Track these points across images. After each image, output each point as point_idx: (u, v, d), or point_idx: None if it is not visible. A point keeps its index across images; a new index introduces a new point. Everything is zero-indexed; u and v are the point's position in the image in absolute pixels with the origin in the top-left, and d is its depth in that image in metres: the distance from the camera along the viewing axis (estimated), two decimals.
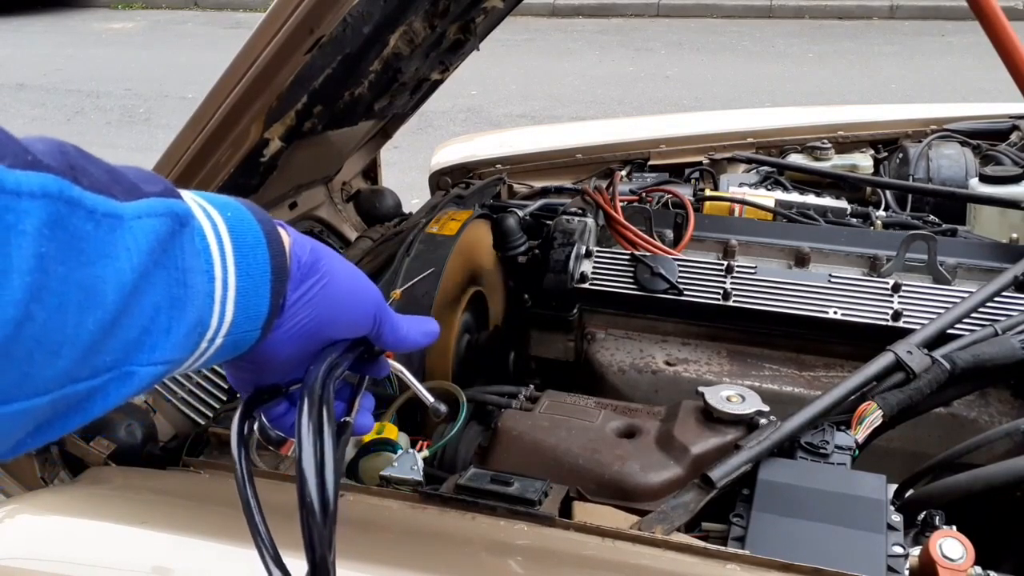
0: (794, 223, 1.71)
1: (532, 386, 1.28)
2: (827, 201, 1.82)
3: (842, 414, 1.09)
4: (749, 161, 2.05)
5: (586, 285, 1.45)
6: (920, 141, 2.02)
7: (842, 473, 1.00)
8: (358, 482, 1.13)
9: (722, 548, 0.89)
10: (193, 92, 6.84)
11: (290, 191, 1.75)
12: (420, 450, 1.12)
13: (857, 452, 1.04)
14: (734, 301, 1.38)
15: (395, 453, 1.13)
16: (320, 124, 1.43)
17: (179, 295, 0.51)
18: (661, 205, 1.76)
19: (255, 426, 0.71)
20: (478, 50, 1.78)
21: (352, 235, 2.02)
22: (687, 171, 2.10)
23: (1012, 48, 1.53)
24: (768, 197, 1.80)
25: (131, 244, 0.47)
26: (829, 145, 2.07)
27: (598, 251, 1.50)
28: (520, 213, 1.67)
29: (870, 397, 1.08)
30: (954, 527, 0.91)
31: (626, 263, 1.47)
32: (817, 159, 2.06)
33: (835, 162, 2.05)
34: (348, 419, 0.74)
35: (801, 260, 1.49)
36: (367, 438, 1.17)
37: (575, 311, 1.46)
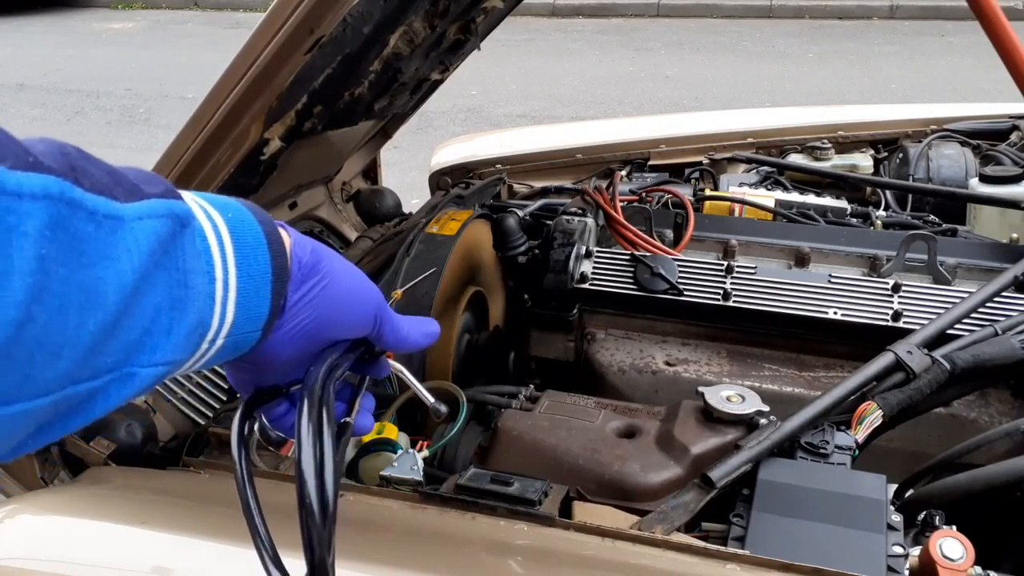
0: (794, 223, 1.71)
1: (532, 386, 1.28)
2: (827, 201, 1.82)
3: (842, 414, 1.09)
4: (749, 161, 2.05)
5: (586, 285, 1.45)
6: (920, 141, 2.02)
7: (842, 473, 1.00)
8: (358, 482, 1.13)
9: (722, 548, 0.89)
10: (193, 92, 6.84)
11: (290, 191, 1.75)
12: (420, 450, 1.12)
13: (857, 452, 1.04)
14: (734, 301, 1.38)
15: (395, 453, 1.13)
16: (320, 124, 1.43)
17: (180, 296, 0.51)
18: (661, 205, 1.76)
19: (255, 427, 0.71)
20: (479, 50, 1.78)
21: (352, 235, 2.02)
22: (687, 171, 2.10)
23: (1012, 48, 1.53)
24: (768, 197, 1.80)
25: (132, 245, 0.47)
26: (829, 145, 2.07)
27: (598, 251, 1.50)
28: (520, 213, 1.67)
29: (870, 397, 1.08)
30: (954, 527, 0.91)
31: (626, 263, 1.47)
32: (817, 159, 2.06)
33: (835, 162, 2.05)
34: (348, 420, 0.74)
35: (801, 260, 1.49)
36: (367, 438, 1.17)
37: (575, 311, 1.46)
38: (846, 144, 2.14)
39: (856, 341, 1.32)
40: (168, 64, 8.21)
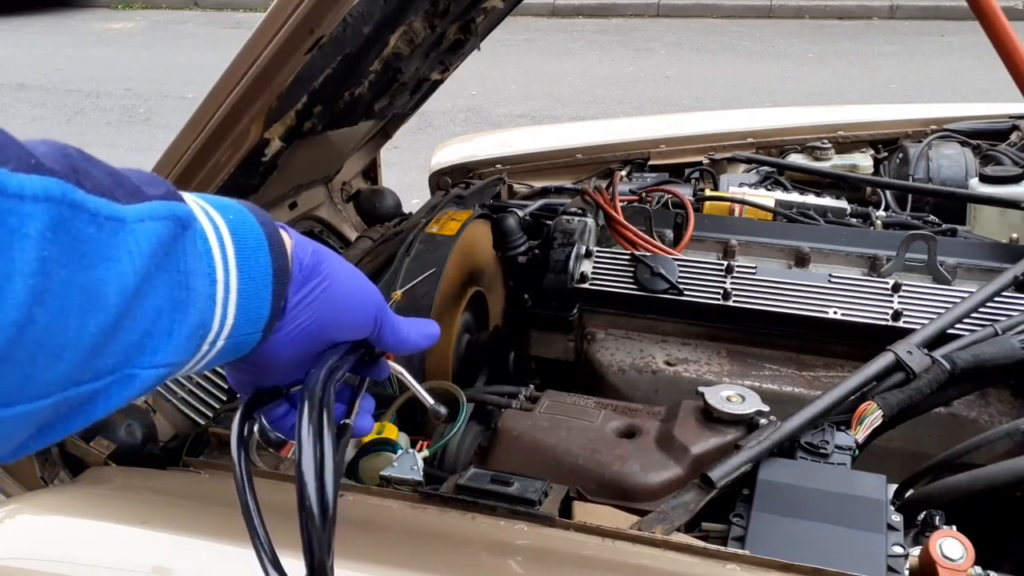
0: (794, 223, 1.71)
1: (532, 386, 1.28)
2: (827, 201, 1.82)
3: (842, 414, 1.09)
4: (749, 161, 2.05)
5: (586, 285, 1.45)
6: (920, 141, 2.02)
7: (842, 473, 1.00)
8: (358, 482, 1.13)
9: (722, 548, 0.89)
10: (193, 92, 6.84)
11: (290, 191, 1.75)
12: (420, 450, 1.12)
13: (857, 452, 1.04)
14: (734, 301, 1.38)
15: (395, 453, 1.13)
16: (320, 124, 1.43)
17: (181, 298, 0.51)
18: (661, 205, 1.76)
19: (255, 428, 0.71)
20: (479, 50, 1.78)
21: (352, 235, 2.02)
22: (687, 171, 2.10)
23: (1012, 48, 1.53)
24: (768, 197, 1.80)
25: (133, 247, 0.47)
26: (829, 145, 2.07)
27: (598, 251, 1.51)
28: (520, 213, 1.67)
29: (870, 397, 1.08)
30: (954, 527, 0.91)
31: (626, 263, 1.47)
32: (817, 159, 2.06)
33: (835, 162, 2.06)
34: (348, 421, 0.74)
35: (801, 260, 1.49)
36: (367, 438, 1.17)
37: (575, 311, 1.46)
38: (846, 144, 2.14)
39: (856, 341, 1.32)
40: (168, 64, 8.21)
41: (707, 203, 1.81)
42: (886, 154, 2.12)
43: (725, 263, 1.43)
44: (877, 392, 1.10)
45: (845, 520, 0.92)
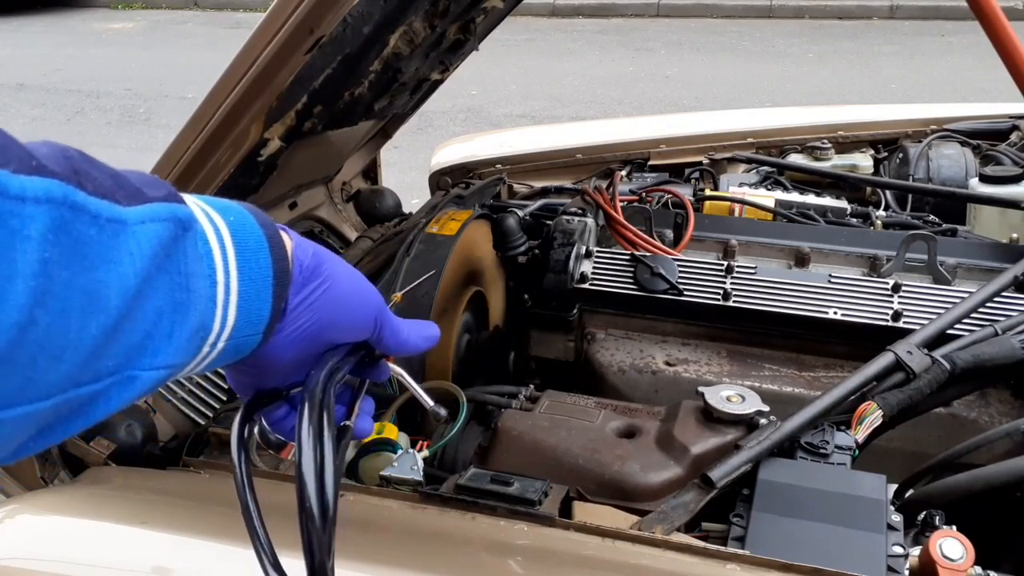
0: (794, 223, 1.71)
1: (532, 386, 1.28)
2: (827, 201, 1.82)
3: (842, 414, 1.09)
4: (749, 161, 2.05)
5: (586, 285, 1.45)
6: (920, 141, 2.02)
7: (842, 473, 1.00)
8: (358, 482, 1.13)
9: (722, 548, 0.89)
10: (193, 92, 6.84)
11: (290, 191, 1.75)
12: (420, 450, 1.12)
13: (857, 452, 1.04)
14: (734, 301, 1.38)
15: (395, 453, 1.13)
16: (320, 124, 1.43)
17: (182, 299, 0.51)
18: (661, 205, 1.76)
19: (255, 430, 0.71)
20: (477, 50, 1.78)
21: (352, 235, 2.02)
22: (687, 171, 2.10)
23: (1012, 48, 1.53)
24: (768, 197, 1.80)
25: (134, 249, 0.47)
26: (829, 145, 2.07)
27: (598, 251, 1.51)
28: (520, 213, 1.67)
29: (870, 397, 1.08)
30: (954, 527, 0.91)
31: (626, 263, 1.47)
32: (817, 159, 2.06)
33: (835, 162, 2.06)
34: (348, 423, 0.74)
35: (801, 260, 1.49)
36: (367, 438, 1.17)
37: (575, 311, 1.46)
38: (846, 144, 2.14)
39: (856, 341, 1.32)
40: (168, 64, 8.21)
41: (707, 203, 1.81)
42: (886, 154, 2.12)
43: (725, 263, 1.43)
44: (877, 392, 1.10)
45: (845, 520, 0.92)
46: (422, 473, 1.06)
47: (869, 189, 2.00)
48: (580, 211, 1.58)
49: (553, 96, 6.72)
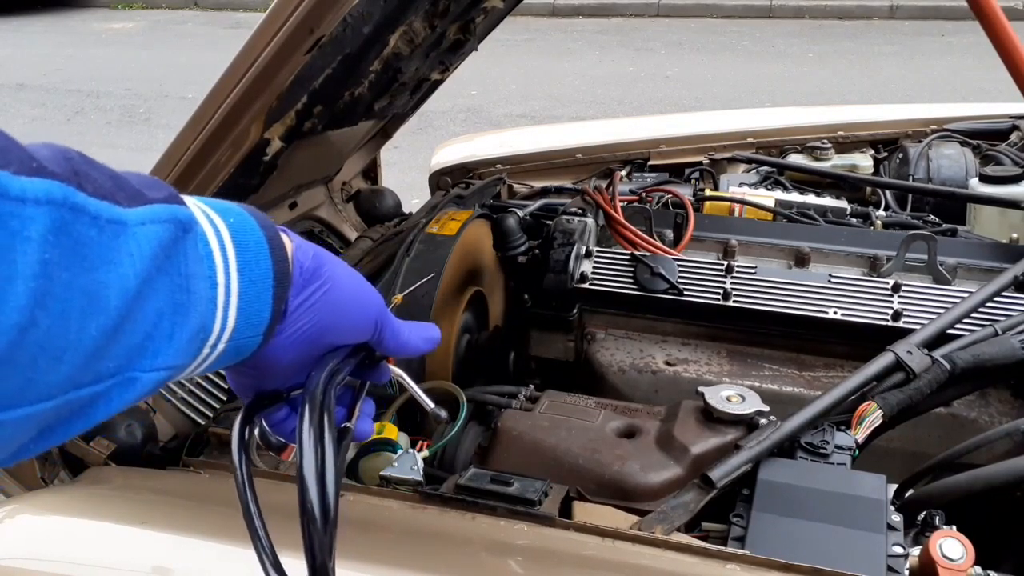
0: (794, 223, 1.71)
1: (532, 386, 1.28)
2: (827, 201, 1.82)
3: (842, 414, 1.09)
4: (749, 161, 2.05)
5: (586, 285, 1.45)
6: (920, 141, 2.02)
7: (842, 473, 1.00)
8: (358, 482, 1.13)
9: (722, 548, 0.89)
10: (193, 92, 6.84)
11: (290, 191, 1.75)
12: (420, 450, 1.12)
13: (857, 452, 1.04)
14: (734, 301, 1.38)
15: (395, 453, 1.13)
16: (320, 124, 1.43)
17: (182, 301, 0.51)
18: (661, 205, 1.76)
19: (256, 431, 0.71)
20: (477, 50, 1.78)
21: (352, 235, 2.02)
22: (687, 171, 2.10)
23: (1012, 48, 1.53)
24: (768, 197, 1.80)
25: (134, 250, 0.47)
26: (829, 145, 2.07)
27: (598, 251, 1.51)
28: (520, 213, 1.67)
29: (870, 397, 1.08)
30: (954, 527, 0.91)
31: (626, 263, 1.47)
32: (817, 159, 2.06)
33: (835, 162, 2.06)
34: (349, 425, 0.74)
35: (801, 260, 1.49)
36: None
37: (575, 311, 1.46)
38: (846, 144, 2.14)
39: (856, 341, 1.32)
40: (168, 64, 8.21)
41: (707, 203, 1.81)
42: (886, 154, 2.12)
43: (725, 263, 1.43)
44: (877, 392, 1.10)
45: (845, 520, 0.92)
46: (422, 473, 1.06)
47: (869, 189, 2.00)
48: (580, 211, 1.58)
49: (553, 96, 6.72)
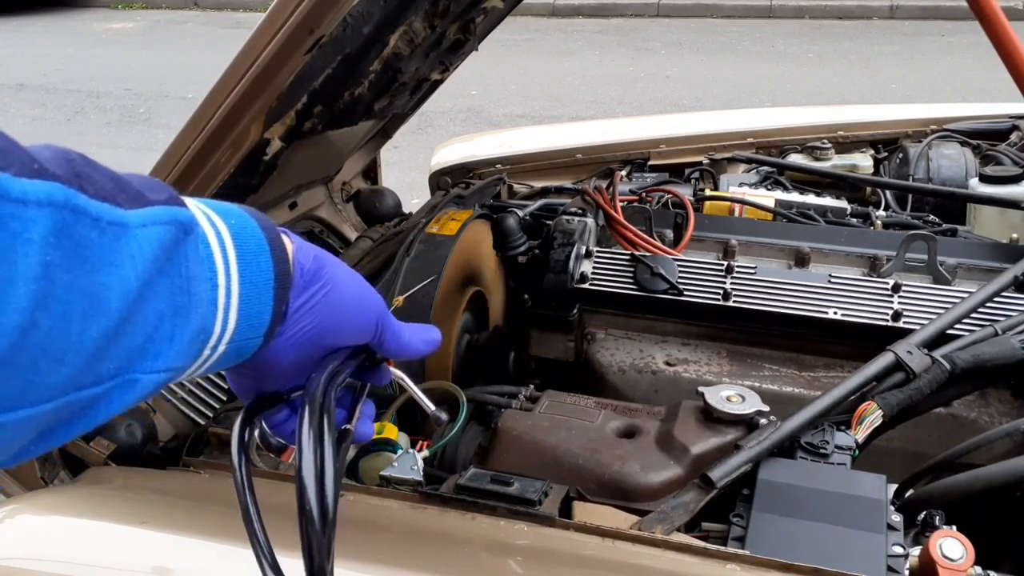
0: (794, 223, 1.71)
1: (532, 386, 1.28)
2: (827, 201, 1.82)
3: (842, 414, 1.09)
4: (749, 161, 2.05)
5: (586, 285, 1.45)
6: (920, 141, 2.02)
7: (842, 473, 1.00)
8: (358, 482, 1.13)
9: (722, 548, 0.89)
10: (193, 92, 6.84)
11: (290, 191, 1.75)
12: (420, 450, 1.12)
13: (857, 452, 1.04)
14: (734, 301, 1.38)
15: (395, 453, 1.13)
16: (320, 124, 1.43)
17: (183, 303, 0.51)
18: (661, 205, 1.76)
19: (256, 433, 0.71)
20: (477, 50, 1.78)
21: (352, 235, 2.02)
22: (687, 171, 2.10)
23: (1012, 48, 1.53)
24: (768, 197, 1.80)
25: (135, 252, 0.47)
26: (829, 145, 2.07)
27: (598, 251, 1.51)
28: (520, 213, 1.67)
29: (870, 397, 1.08)
30: (954, 527, 0.91)
31: (626, 263, 1.47)
32: (817, 159, 2.06)
33: (835, 162, 2.06)
34: (349, 427, 0.74)
35: (801, 260, 1.49)
36: None
37: (575, 311, 1.46)
38: (846, 144, 2.14)
39: (856, 341, 1.32)
40: (168, 64, 8.21)
41: (707, 203, 1.81)
42: (886, 154, 2.12)
43: (725, 263, 1.43)
44: (877, 392, 1.10)
45: (845, 520, 0.92)
46: (422, 473, 1.06)
47: (869, 189, 2.00)
48: (580, 211, 1.58)
49: (553, 96, 6.72)
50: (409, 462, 1.07)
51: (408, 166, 4.38)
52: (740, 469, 0.99)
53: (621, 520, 0.98)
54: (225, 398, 1.41)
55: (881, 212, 1.82)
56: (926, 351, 1.13)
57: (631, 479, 1.04)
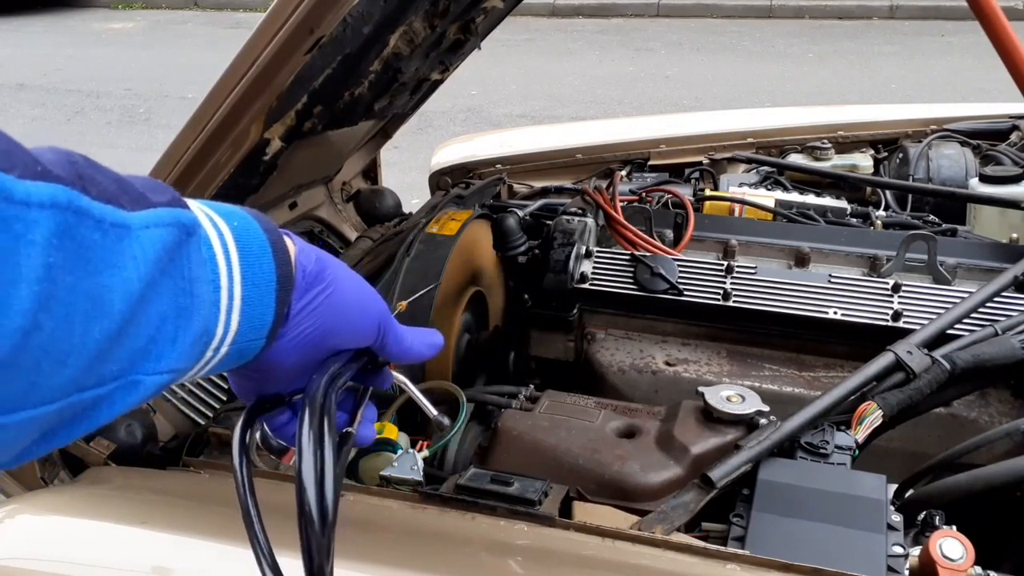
0: (794, 223, 1.71)
1: (532, 386, 1.28)
2: (827, 201, 1.82)
3: (842, 414, 1.09)
4: (749, 161, 2.05)
5: (586, 285, 1.45)
6: (920, 141, 2.02)
7: (842, 473, 1.00)
8: (358, 482, 1.13)
9: (722, 548, 0.89)
10: (193, 92, 6.84)
11: (290, 191, 1.75)
12: (420, 450, 1.12)
13: (857, 452, 1.04)
14: (734, 301, 1.38)
15: (395, 453, 1.13)
16: (320, 124, 1.43)
17: (185, 304, 0.51)
18: (661, 205, 1.76)
19: (257, 435, 0.71)
20: (479, 49, 1.78)
21: (352, 235, 2.02)
22: (687, 171, 2.10)
23: (1012, 48, 1.53)
24: (768, 197, 1.80)
25: (138, 254, 0.47)
26: (829, 145, 2.07)
27: (598, 251, 1.51)
28: (520, 213, 1.67)
29: (870, 397, 1.09)
30: (954, 527, 0.91)
31: (626, 263, 1.47)
32: (817, 159, 2.06)
33: (835, 162, 2.06)
34: (350, 430, 0.74)
35: (801, 260, 1.49)
36: None
37: (575, 311, 1.46)
38: (846, 144, 2.14)
39: (856, 341, 1.32)
40: (168, 64, 8.21)
41: (707, 203, 1.81)
42: (886, 154, 2.12)
43: (725, 263, 1.43)
44: (877, 392, 1.10)
45: (845, 520, 0.92)
46: (422, 473, 1.06)
47: (869, 189, 2.00)
48: (580, 211, 1.58)
49: (553, 96, 6.72)
50: (409, 462, 1.07)
51: (408, 166, 4.38)
52: (740, 469, 0.99)
53: (621, 520, 0.98)
54: (225, 398, 1.41)
55: (881, 212, 1.82)
56: (926, 351, 1.13)
57: (631, 479, 1.04)
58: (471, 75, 5.02)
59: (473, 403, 1.25)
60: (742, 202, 1.78)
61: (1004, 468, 0.94)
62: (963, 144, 2.00)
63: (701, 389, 1.13)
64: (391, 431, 1.19)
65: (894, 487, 1.01)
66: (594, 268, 1.48)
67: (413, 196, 3.18)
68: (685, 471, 1.05)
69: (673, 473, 1.05)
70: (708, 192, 1.90)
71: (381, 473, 1.07)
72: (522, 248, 1.60)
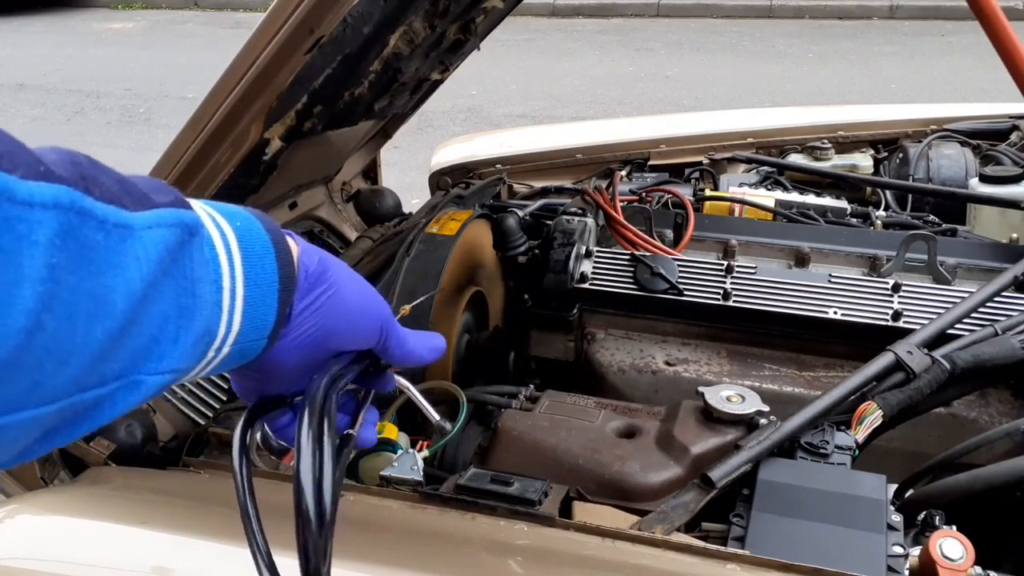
0: (794, 223, 1.71)
1: (532, 386, 1.28)
2: (827, 201, 1.82)
3: (842, 414, 1.09)
4: (749, 161, 2.05)
5: (586, 285, 1.45)
6: (920, 141, 2.02)
7: (842, 473, 1.00)
8: (358, 482, 1.13)
9: (722, 548, 0.89)
10: (193, 92, 6.84)
11: (290, 191, 1.75)
12: (420, 450, 1.12)
13: (857, 452, 1.04)
14: (734, 301, 1.38)
15: (395, 453, 1.13)
16: (320, 124, 1.43)
17: (187, 305, 0.51)
18: (661, 205, 1.76)
19: (258, 436, 0.71)
20: (479, 50, 1.78)
21: (352, 235, 2.02)
22: (687, 171, 2.10)
23: (1012, 48, 1.53)
24: (768, 197, 1.80)
25: (141, 254, 0.47)
26: (829, 145, 2.07)
27: (598, 251, 1.51)
28: (520, 213, 1.67)
29: (870, 397, 1.09)
30: (954, 527, 0.91)
31: (626, 263, 1.47)
32: (817, 159, 2.06)
33: (835, 162, 2.06)
34: (351, 432, 0.74)
35: (801, 260, 1.49)
36: None
37: (575, 311, 1.46)
38: (846, 144, 2.14)
39: (856, 341, 1.32)
40: (168, 64, 8.21)
41: (707, 203, 1.81)
42: (886, 154, 2.12)
43: (725, 263, 1.43)
44: (877, 392, 1.10)
45: (845, 520, 0.92)
46: (422, 473, 1.06)
47: (869, 189, 2.00)
48: (580, 211, 1.58)
49: (553, 96, 6.72)
50: (409, 462, 1.07)
51: (408, 166, 4.38)
52: (740, 469, 0.99)
53: (621, 520, 0.98)
54: (225, 398, 1.41)
55: (881, 212, 1.82)
56: (926, 351, 1.13)
57: (631, 479, 1.04)
58: (471, 75, 5.02)
59: (473, 403, 1.25)
60: (742, 202, 1.78)
61: (1004, 468, 0.94)
62: (963, 144, 2.00)
63: (701, 389, 1.13)
64: (391, 431, 1.19)
65: (894, 487, 1.01)
66: (594, 268, 1.48)
67: (413, 196, 3.18)
68: (685, 471, 1.05)
69: (673, 473, 1.05)
70: (708, 192, 1.90)
71: (381, 473, 1.07)
72: (522, 248, 1.60)
